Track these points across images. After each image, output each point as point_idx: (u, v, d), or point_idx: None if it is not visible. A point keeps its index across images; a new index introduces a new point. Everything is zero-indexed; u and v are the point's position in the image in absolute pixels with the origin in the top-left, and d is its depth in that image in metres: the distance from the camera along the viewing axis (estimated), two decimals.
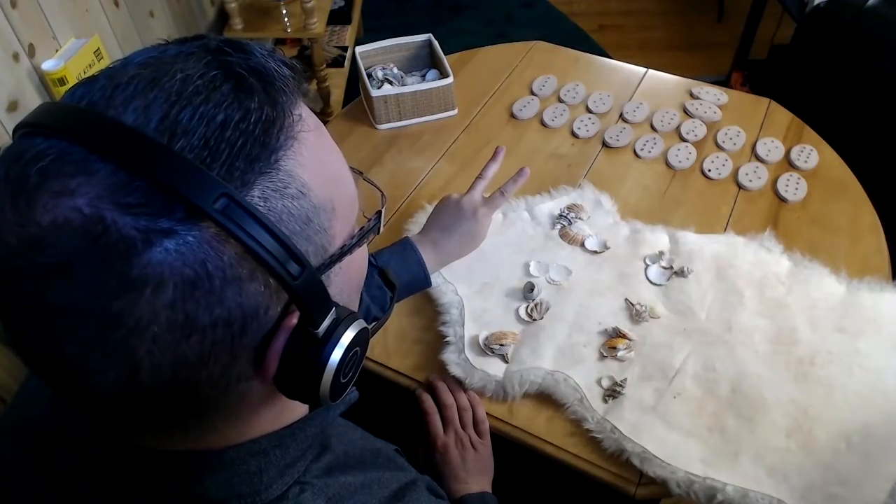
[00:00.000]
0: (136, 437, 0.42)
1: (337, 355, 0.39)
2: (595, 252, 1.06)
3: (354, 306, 0.47)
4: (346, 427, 0.57)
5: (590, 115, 1.32)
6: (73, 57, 1.40)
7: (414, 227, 1.10)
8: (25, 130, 0.35)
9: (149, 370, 0.33)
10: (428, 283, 0.98)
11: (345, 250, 0.41)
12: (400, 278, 0.91)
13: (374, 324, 0.48)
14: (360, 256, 0.46)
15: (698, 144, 1.25)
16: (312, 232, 0.38)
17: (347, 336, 0.39)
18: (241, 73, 0.36)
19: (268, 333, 0.37)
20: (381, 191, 0.51)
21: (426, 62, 1.43)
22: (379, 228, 0.45)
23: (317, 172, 0.38)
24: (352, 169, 0.45)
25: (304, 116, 0.39)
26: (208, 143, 0.33)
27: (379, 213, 0.46)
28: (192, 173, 0.32)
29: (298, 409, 0.47)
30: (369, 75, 1.36)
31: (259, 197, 0.35)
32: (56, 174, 0.32)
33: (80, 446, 0.46)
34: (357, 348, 0.41)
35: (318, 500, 0.45)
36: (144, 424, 0.40)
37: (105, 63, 1.50)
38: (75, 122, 0.33)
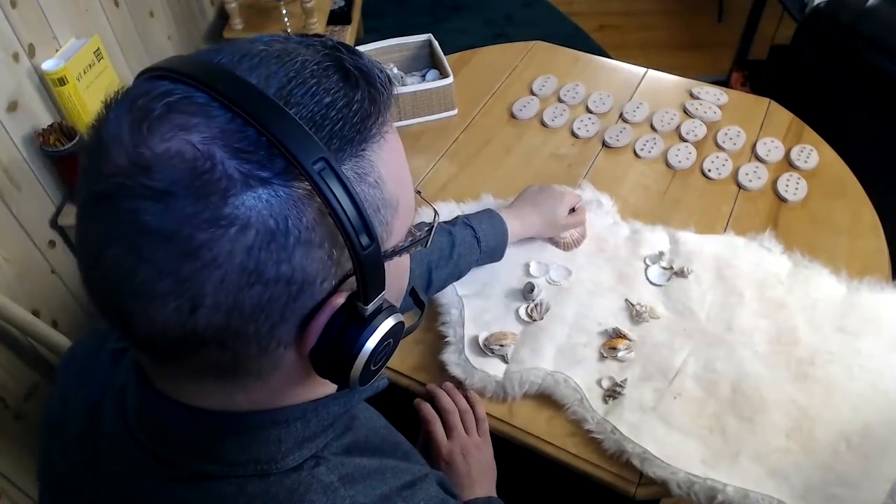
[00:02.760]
0: (169, 384, 0.44)
1: (375, 340, 0.41)
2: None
3: None
4: (373, 414, 0.59)
5: (590, 115, 1.32)
6: (73, 57, 1.40)
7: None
8: (152, 74, 0.38)
9: (207, 309, 0.36)
10: (502, 255, 1.02)
11: (397, 249, 0.44)
12: (488, 244, 0.97)
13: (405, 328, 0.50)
14: (405, 266, 0.49)
15: (698, 144, 1.25)
16: (378, 221, 0.41)
17: (387, 324, 0.42)
18: (350, 69, 0.40)
19: (316, 305, 0.39)
20: (434, 209, 0.55)
21: (426, 62, 1.43)
22: (427, 242, 0.48)
23: (392, 171, 0.42)
24: None
25: (391, 122, 0.43)
26: (314, 117, 0.37)
27: (431, 227, 0.48)
28: (300, 134, 0.35)
29: (325, 388, 0.49)
30: None
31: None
32: (180, 110, 0.35)
33: (120, 405, 0.50)
34: (390, 340, 0.43)
35: (331, 476, 0.46)
36: (182, 367, 0.41)
37: (105, 63, 1.50)
38: (204, 72, 0.37)
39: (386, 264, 0.42)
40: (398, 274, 0.48)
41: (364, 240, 0.37)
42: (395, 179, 0.42)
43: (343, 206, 0.36)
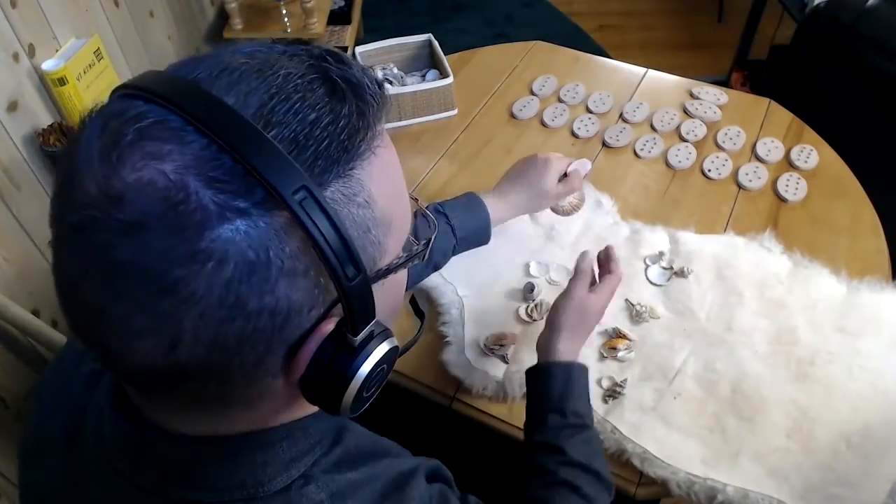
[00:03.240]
0: (153, 412, 0.43)
1: (366, 368, 0.40)
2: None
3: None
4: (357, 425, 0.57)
5: (590, 115, 1.32)
6: (73, 57, 1.40)
7: None
8: (126, 92, 0.36)
9: (188, 344, 0.34)
10: (488, 238, 0.98)
11: (391, 267, 0.42)
12: (465, 229, 0.95)
13: (403, 345, 0.48)
14: (401, 281, 0.48)
15: (698, 144, 1.25)
16: (368, 242, 0.39)
17: (380, 350, 0.40)
18: (337, 80, 0.38)
19: (304, 333, 0.38)
20: (434, 220, 0.53)
21: (426, 62, 1.43)
22: (425, 256, 0.46)
23: (384, 188, 0.40)
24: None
25: (383, 133, 0.41)
26: (297, 137, 0.35)
27: (428, 240, 0.47)
28: (279, 161, 0.34)
29: (313, 406, 0.47)
30: None
31: (330, 199, 0.36)
32: (152, 137, 0.33)
33: (98, 430, 0.48)
34: (384, 365, 0.42)
35: (320, 495, 0.45)
36: (167, 399, 0.40)
37: (105, 63, 1.50)
38: (178, 92, 0.35)
39: (381, 283, 0.41)
40: (393, 289, 0.46)
41: (350, 271, 0.36)
42: (388, 196, 0.40)
43: (326, 237, 0.34)
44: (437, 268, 0.97)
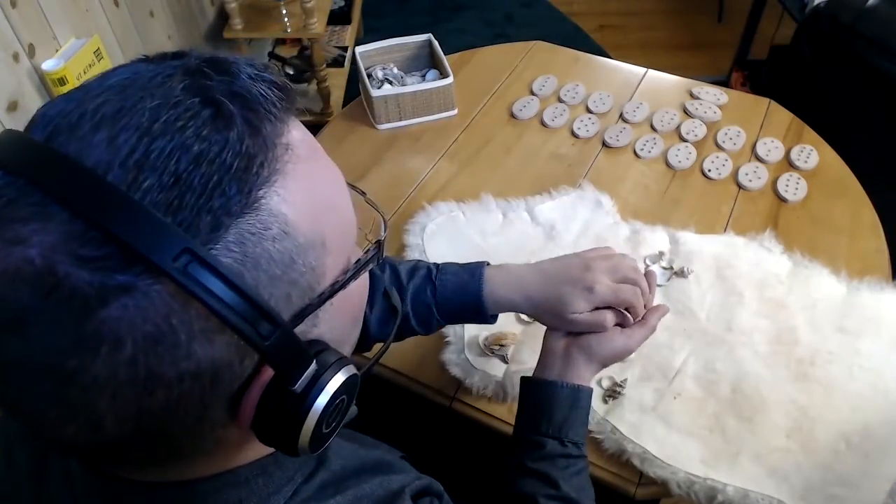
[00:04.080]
0: (112, 468, 0.41)
1: (319, 405, 0.36)
2: None
3: (352, 338, 0.45)
4: (348, 436, 0.54)
5: (590, 115, 1.32)
6: (73, 57, 1.40)
7: (413, 227, 1.10)
8: None
9: (112, 423, 0.32)
10: (483, 318, 0.75)
11: (336, 287, 0.38)
12: (443, 305, 0.75)
13: (372, 358, 0.46)
14: (358, 286, 0.43)
15: (698, 144, 1.25)
16: (297, 274, 0.35)
17: (332, 386, 0.37)
18: (221, 99, 0.33)
19: (242, 385, 0.35)
20: (383, 216, 0.47)
21: (426, 62, 1.43)
22: (379, 258, 0.42)
23: (305, 208, 0.35)
24: (352, 187, 0.42)
25: (294, 144, 0.36)
26: (179, 181, 0.31)
27: (379, 242, 0.42)
28: (152, 226, 0.30)
29: None
30: (369, 75, 1.36)
31: (234, 242, 0.32)
32: (10, 219, 0.30)
33: (65, 471, 0.45)
34: (343, 396, 0.38)
35: None
36: (117, 463, 0.39)
37: (105, 63, 1.50)
38: (33, 162, 0.31)
39: (329, 303, 0.37)
40: (351, 303, 0.42)
41: (264, 328, 0.32)
42: (313, 213, 0.36)
43: (224, 300, 0.31)
44: (427, 328, 0.77)
